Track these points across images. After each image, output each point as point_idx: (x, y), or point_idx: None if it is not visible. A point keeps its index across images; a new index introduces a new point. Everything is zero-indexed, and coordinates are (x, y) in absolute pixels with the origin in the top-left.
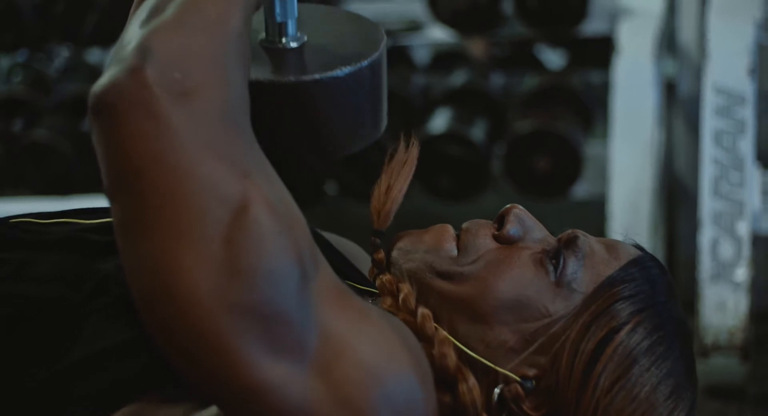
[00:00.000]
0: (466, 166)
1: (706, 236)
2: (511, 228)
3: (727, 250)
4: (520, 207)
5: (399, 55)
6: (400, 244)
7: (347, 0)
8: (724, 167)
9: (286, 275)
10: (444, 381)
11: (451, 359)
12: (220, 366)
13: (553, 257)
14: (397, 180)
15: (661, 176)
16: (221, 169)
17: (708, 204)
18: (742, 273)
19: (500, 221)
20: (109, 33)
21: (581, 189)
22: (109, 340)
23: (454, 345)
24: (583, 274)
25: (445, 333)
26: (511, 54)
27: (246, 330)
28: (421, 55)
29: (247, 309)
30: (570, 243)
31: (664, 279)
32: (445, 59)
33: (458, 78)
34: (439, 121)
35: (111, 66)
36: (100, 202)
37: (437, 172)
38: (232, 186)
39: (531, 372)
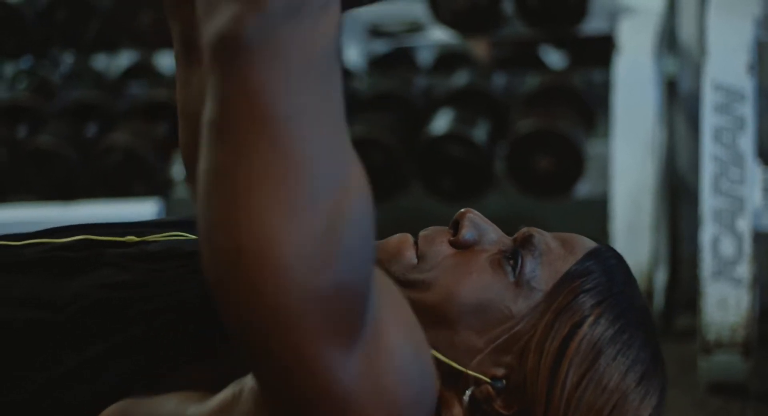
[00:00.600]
0: (468, 166)
1: (706, 233)
2: (466, 233)
3: (728, 247)
4: (474, 211)
5: (401, 57)
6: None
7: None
8: (724, 163)
9: (370, 261)
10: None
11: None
12: (279, 336)
13: (511, 258)
14: None
15: (664, 175)
16: (339, 139)
17: (708, 201)
18: (743, 270)
19: (455, 226)
20: (112, 39)
21: (583, 188)
22: (81, 358)
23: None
24: (542, 272)
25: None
26: (512, 54)
27: (323, 312)
28: (423, 56)
29: (333, 291)
30: (526, 242)
31: (621, 269)
32: (446, 60)
33: (460, 79)
34: (441, 122)
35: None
36: (102, 208)
37: (440, 173)
38: (344, 161)
39: (500, 372)
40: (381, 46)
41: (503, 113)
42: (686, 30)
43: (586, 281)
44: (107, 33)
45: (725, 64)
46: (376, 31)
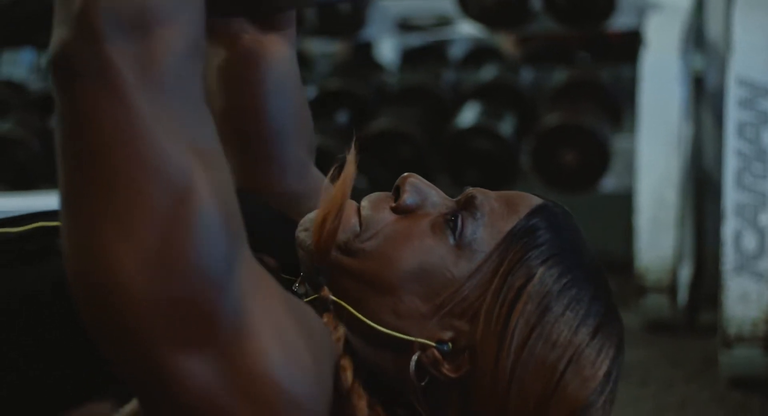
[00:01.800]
0: (494, 160)
1: (729, 227)
2: (408, 198)
3: (750, 242)
4: (416, 175)
5: (431, 51)
6: (309, 216)
7: None
8: (747, 158)
9: (217, 271)
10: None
11: (361, 411)
12: (136, 352)
13: (452, 221)
14: (332, 211)
15: (690, 170)
16: (171, 151)
17: (731, 196)
18: (765, 265)
19: (397, 192)
20: None
21: (608, 183)
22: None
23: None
24: (483, 233)
25: (356, 385)
26: (540, 49)
27: (162, 322)
28: (453, 51)
29: (169, 301)
30: (467, 204)
31: (568, 224)
32: (476, 55)
33: (488, 73)
34: (468, 115)
35: (60, 19)
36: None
37: (466, 166)
38: (178, 172)
39: (447, 335)
40: (412, 41)
41: (530, 108)
42: (713, 27)
43: (531, 240)
44: None
45: (750, 60)
46: (405, 26)
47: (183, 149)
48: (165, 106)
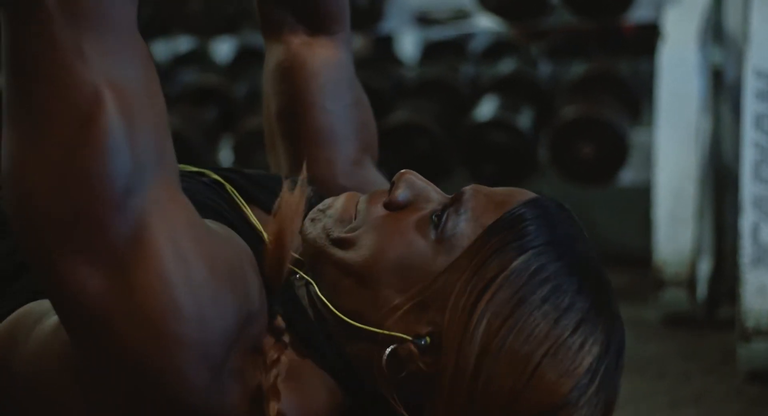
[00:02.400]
0: (512, 153)
1: (747, 220)
2: (399, 194)
3: None
4: (413, 172)
5: (450, 44)
6: (318, 207)
7: None
8: (765, 150)
9: (115, 189)
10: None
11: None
12: (39, 257)
13: (437, 216)
14: (288, 233)
15: (709, 164)
16: (84, 75)
17: (749, 188)
18: None
19: (392, 188)
20: (165, 24)
21: (626, 176)
22: None
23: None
24: (465, 227)
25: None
26: (558, 42)
27: (62, 231)
28: (473, 44)
29: (68, 211)
30: (455, 200)
31: (559, 216)
32: (495, 48)
33: (506, 66)
34: (486, 108)
35: None
36: None
37: (483, 159)
38: (88, 94)
39: (424, 330)
40: (431, 34)
41: (548, 101)
42: (732, 20)
43: (511, 232)
44: (160, 18)
45: (767, 51)
46: (424, 19)
47: (96, 77)
48: (84, 37)
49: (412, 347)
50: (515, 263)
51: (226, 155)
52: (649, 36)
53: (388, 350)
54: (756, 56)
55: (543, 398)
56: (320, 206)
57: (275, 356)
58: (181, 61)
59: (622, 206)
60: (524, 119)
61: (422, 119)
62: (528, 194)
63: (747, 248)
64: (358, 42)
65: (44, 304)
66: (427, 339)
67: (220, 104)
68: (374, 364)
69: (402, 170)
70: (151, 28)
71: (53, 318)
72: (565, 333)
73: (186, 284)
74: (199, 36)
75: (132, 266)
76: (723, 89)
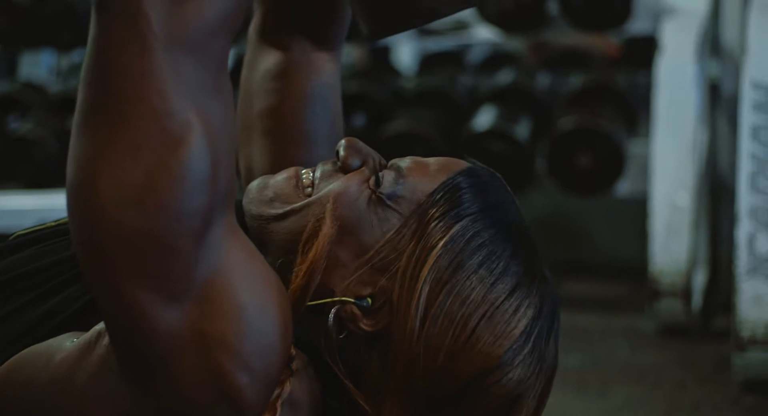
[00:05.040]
0: (509, 163)
1: (743, 230)
2: (352, 161)
3: (763, 244)
4: (353, 138)
5: (449, 55)
6: (250, 186)
7: None
8: (761, 162)
9: (191, 216)
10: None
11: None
12: (105, 280)
13: (378, 178)
14: (318, 269)
15: (705, 176)
16: (176, 103)
17: (745, 199)
18: None
19: (337, 156)
20: None
21: (623, 187)
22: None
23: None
24: (407, 193)
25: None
26: (557, 54)
27: (135, 256)
28: (472, 55)
29: (142, 237)
30: (395, 166)
31: (493, 186)
32: (493, 59)
33: (505, 77)
34: (484, 118)
35: None
36: None
37: None
38: (177, 122)
39: (366, 291)
40: (430, 45)
41: (546, 111)
42: (729, 33)
43: (450, 200)
44: None
45: (764, 63)
46: (423, 30)
47: (188, 106)
48: (182, 65)
49: (355, 308)
50: (453, 231)
51: None
52: (646, 48)
53: (334, 309)
54: (753, 68)
55: (480, 359)
56: (254, 184)
57: (282, 378)
58: None
59: (619, 216)
60: (522, 130)
61: (421, 128)
62: (462, 164)
63: (743, 259)
64: (357, 53)
65: (40, 348)
66: (369, 300)
67: None
68: (321, 331)
69: (343, 139)
70: None
71: (69, 352)
72: (500, 297)
73: (260, 316)
74: None
75: (209, 298)
76: (720, 101)
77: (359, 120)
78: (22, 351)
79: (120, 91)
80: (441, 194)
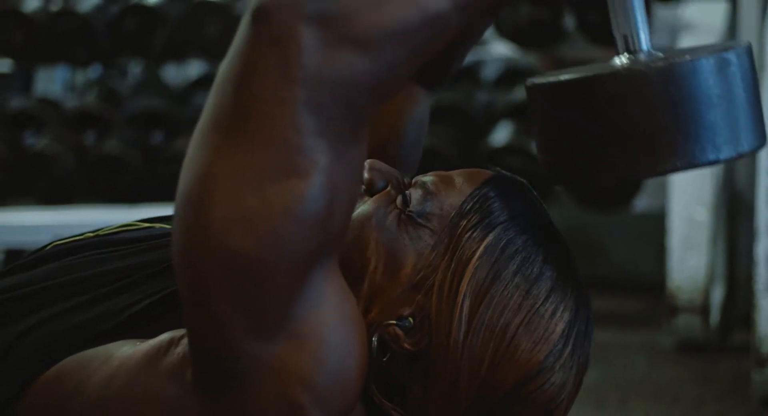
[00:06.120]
0: (527, 178)
1: (762, 246)
2: (378, 182)
3: None
4: (375, 160)
5: (464, 70)
6: None
7: None
8: None
9: (296, 254)
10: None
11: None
12: (199, 296)
13: (405, 197)
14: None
15: (723, 191)
16: (307, 136)
17: (764, 214)
18: None
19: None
20: (181, 49)
21: (641, 203)
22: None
23: None
24: (435, 208)
25: None
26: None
27: (233, 281)
28: (488, 71)
29: (243, 263)
30: (416, 183)
31: (519, 194)
32: (510, 74)
33: (521, 92)
34: (501, 134)
35: None
36: (164, 212)
37: None
38: (304, 155)
39: (405, 311)
40: None
41: None
42: None
43: (480, 211)
44: (175, 43)
45: None
46: None
47: (319, 146)
48: (324, 106)
49: (397, 329)
50: (486, 241)
51: None
52: None
53: (375, 335)
54: None
55: (521, 366)
56: None
57: None
58: (195, 85)
59: (637, 232)
60: None
61: (438, 144)
62: (487, 173)
63: (762, 275)
64: None
65: (91, 353)
66: (410, 319)
67: None
68: None
69: (368, 159)
70: (167, 52)
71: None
72: (537, 303)
73: (345, 359)
74: (214, 60)
75: (299, 335)
76: None
77: None
78: (72, 356)
79: (254, 110)
80: (470, 205)
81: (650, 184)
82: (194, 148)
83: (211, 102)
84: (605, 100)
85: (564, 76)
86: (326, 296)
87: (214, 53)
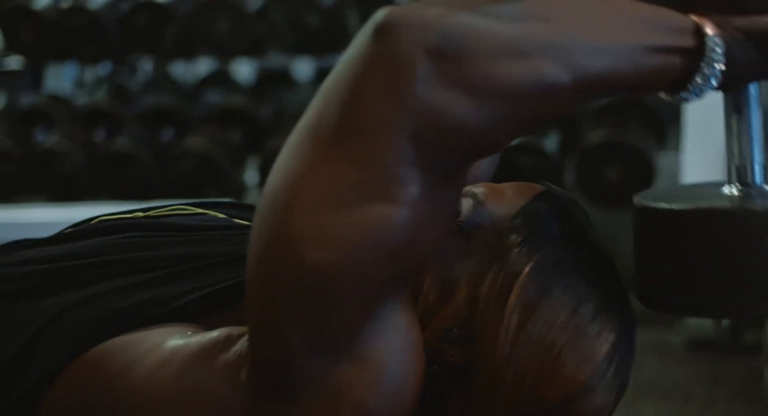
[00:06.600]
0: (538, 176)
1: None
2: None
3: None
4: None
5: None
6: None
7: None
8: None
9: (370, 280)
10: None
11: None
12: (265, 302)
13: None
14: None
15: None
16: (406, 164)
17: None
18: None
19: None
20: (190, 46)
21: None
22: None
23: None
24: (483, 221)
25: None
26: None
27: (302, 293)
28: None
29: (315, 277)
30: (466, 193)
31: (570, 211)
32: None
33: None
34: None
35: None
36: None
37: (509, 182)
38: (398, 182)
39: (452, 322)
40: None
41: (574, 125)
42: None
43: (530, 225)
44: (185, 40)
45: None
46: None
47: (415, 177)
48: (426, 141)
49: (444, 341)
50: (536, 257)
51: (251, 176)
52: None
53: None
54: None
55: (564, 385)
56: None
57: None
58: (205, 82)
59: None
60: (550, 143)
61: None
62: (539, 188)
63: None
64: None
65: (141, 336)
66: (455, 330)
67: (246, 125)
68: None
69: None
70: (177, 49)
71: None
72: (584, 322)
73: (401, 390)
74: (224, 57)
75: (361, 359)
76: None
77: None
78: (121, 336)
79: (357, 127)
80: (520, 219)
81: (660, 180)
82: (289, 151)
83: (315, 107)
84: (724, 237)
85: (679, 205)
86: (395, 325)
87: (223, 50)
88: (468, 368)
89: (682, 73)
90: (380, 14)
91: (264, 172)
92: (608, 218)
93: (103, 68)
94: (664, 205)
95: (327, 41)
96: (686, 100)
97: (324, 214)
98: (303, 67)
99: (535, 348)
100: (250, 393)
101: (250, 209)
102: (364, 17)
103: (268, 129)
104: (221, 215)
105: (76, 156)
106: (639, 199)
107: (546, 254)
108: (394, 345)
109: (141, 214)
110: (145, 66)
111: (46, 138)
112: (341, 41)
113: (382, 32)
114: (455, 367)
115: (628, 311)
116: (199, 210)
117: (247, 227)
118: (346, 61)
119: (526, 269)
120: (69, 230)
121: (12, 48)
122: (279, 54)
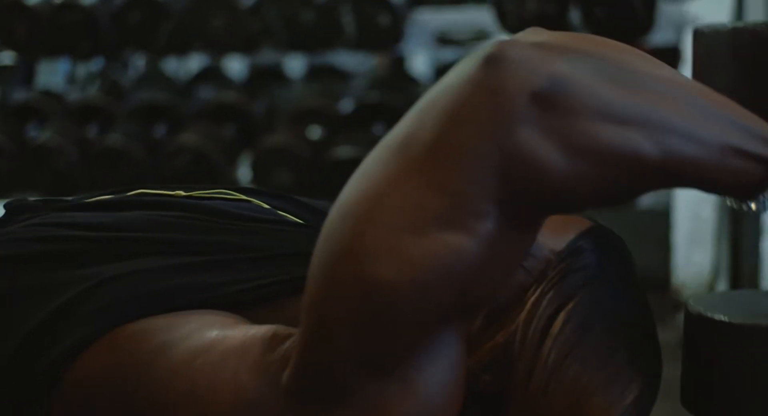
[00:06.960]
0: None
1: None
2: None
3: None
4: None
5: None
6: None
7: (416, 10)
8: None
9: (427, 305)
10: None
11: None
12: (321, 308)
13: None
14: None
15: None
16: (486, 199)
17: None
18: None
19: None
20: (183, 42)
21: (646, 198)
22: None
23: None
24: (531, 251)
25: None
26: None
27: (359, 307)
28: None
29: (376, 294)
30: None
31: (614, 250)
32: None
33: None
34: None
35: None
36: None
37: None
38: (473, 215)
39: (493, 354)
40: (448, 55)
41: None
42: None
43: (574, 261)
44: (178, 36)
45: None
46: (443, 40)
47: (492, 212)
48: (510, 172)
49: (476, 367)
50: (581, 293)
51: (244, 173)
52: (670, 59)
53: None
54: None
55: None
56: None
57: None
58: (198, 78)
59: (641, 228)
60: None
61: None
62: (587, 224)
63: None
64: (377, 62)
65: (180, 320)
66: (490, 357)
67: (239, 121)
68: None
69: None
70: (170, 45)
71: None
72: (620, 364)
73: (440, 412)
74: (217, 54)
75: (407, 380)
76: None
77: (379, 130)
78: (163, 315)
79: (447, 152)
80: (566, 254)
81: None
82: (374, 162)
83: (408, 123)
84: None
85: (741, 321)
86: (446, 357)
87: (217, 47)
88: (500, 397)
89: (758, 182)
90: (494, 44)
91: (256, 168)
92: (602, 216)
93: (96, 64)
94: (722, 317)
95: (320, 38)
96: (751, 209)
97: (400, 234)
98: (296, 64)
99: (571, 385)
100: (287, 395)
101: (296, 202)
102: (358, 14)
103: (261, 125)
104: (266, 205)
105: (69, 152)
106: (694, 306)
107: (590, 292)
108: (441, 376)
109: (183, 193)
110: (138, 62)
111: (38, 134)
112: (335, 38)
113: (491, 63)
114: (487, 395)
115: (657, 359)
116: (243, 196)
117: (301, 226)
118: (447, 83)
119: (570, 306)
120: (107, 197)
121: (5, 43)
122: (272, 50)
